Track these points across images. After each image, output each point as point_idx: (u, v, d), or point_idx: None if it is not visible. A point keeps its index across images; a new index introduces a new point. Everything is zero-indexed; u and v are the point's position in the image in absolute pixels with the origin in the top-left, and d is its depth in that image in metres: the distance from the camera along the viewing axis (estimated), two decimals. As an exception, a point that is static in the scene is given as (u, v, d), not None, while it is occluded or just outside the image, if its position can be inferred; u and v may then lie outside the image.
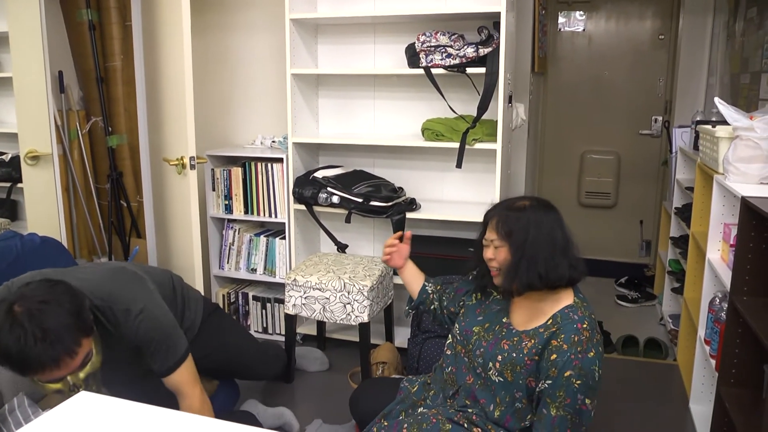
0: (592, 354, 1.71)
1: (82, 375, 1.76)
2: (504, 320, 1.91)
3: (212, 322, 2.51)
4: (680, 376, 3.12)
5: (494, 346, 1.87)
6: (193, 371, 2.08)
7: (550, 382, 1.71)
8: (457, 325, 2.03)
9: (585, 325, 1.75)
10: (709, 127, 2.75)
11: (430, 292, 2.24)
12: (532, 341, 1.79)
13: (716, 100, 2.39)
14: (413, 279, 2.28)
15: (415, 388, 2.09)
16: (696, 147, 3.20)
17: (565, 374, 1.69)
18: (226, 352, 2.52)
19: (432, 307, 2.21)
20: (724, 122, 2.42)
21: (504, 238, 1.82)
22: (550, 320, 1.80)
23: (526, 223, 1.80)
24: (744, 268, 2.11)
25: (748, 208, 2.02)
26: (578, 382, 1.68)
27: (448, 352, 2.03)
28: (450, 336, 2.06)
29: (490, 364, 1.85)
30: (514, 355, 1.81)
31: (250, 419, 2.48)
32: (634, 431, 2.66)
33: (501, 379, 1.82)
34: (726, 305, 2.24)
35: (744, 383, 2.15)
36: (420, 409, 1.98)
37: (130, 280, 2.04)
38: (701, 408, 2.71)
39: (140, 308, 1.95)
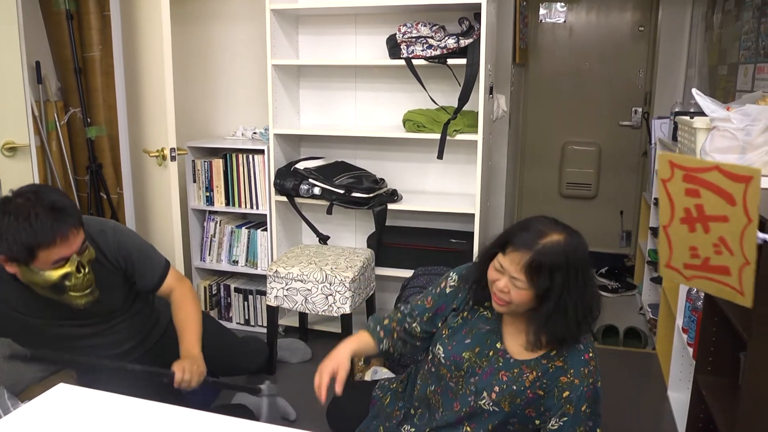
0: (599, 383, 1.67)
1: (85, 258, 1.81)
2: (498, 346, 1.74)
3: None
4: (659, 365, 3.17)
5: (490, 375, 1.72)
6: (177, 272, 2.22)
7: (566, 419, 1.64)
8: (441, 348, 1.79)
9: (591, 354, 1.67)
10: (687, 118, 2.77)
11: (387, 347, 1.92)
12: (534, 373, 1.67)
13: (694, 91, 2.40)
14: (361, 348, 1.93)
15: (387, 400, 2.00)
16: (675, 138, 3.23)
17: (582, 408, 1.63)
18: (204, 341, 2.50)
19: (399, 353, 1.94)
20: (702, 113, 2.44)
21: (533, 283, 1.57)
22: (554, 351, 1.67)
23: (565, 270, 1.55)
24: (720, 258, 2.13)
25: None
26: (589, 410, 1.65)
27: (432, 370, 1.83)
28: (430, 352, 1.86)
29: (485, 394, 1.71)
30: (515, 387, 1.68)
31: (245, 412, 2.46)
32: (613, 420, 2.69)
33: (496, 409, 1.70)
34: (703, 294, 2.27)
35: (720, 371, 2.18)
36: (405, 427, 1.88)
37: (95, 217, 2.13)
38: (679, 396, 2.75)
39: (112, 227, 2.04)
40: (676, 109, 3.48)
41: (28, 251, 1.68)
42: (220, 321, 3.56)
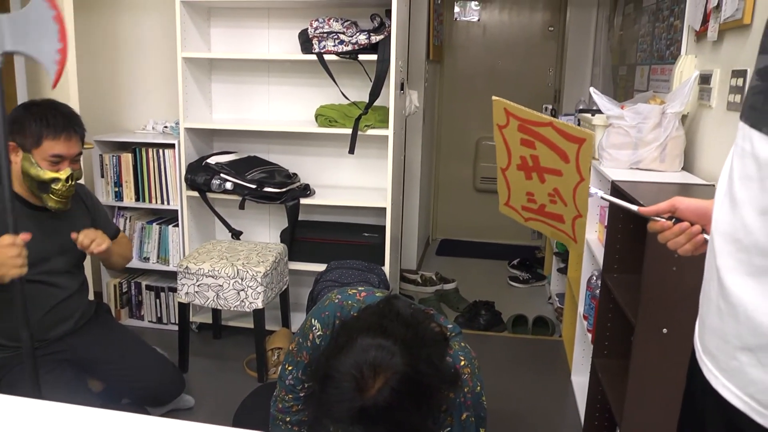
0: (478, 388, 1.66)
1: (75, 176, 2.13)
2: None
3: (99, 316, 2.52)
4: (564, 351, 3.30)
5: None
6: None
7: (449, 429, 1.61)
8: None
9: (462, 362, 1.62)
10: (588, 115, 2.91)
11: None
12: None
13: (591, 89, 2.53)
14: None
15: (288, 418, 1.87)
16: (578, 134, 3.37)
17: (462, 417, 1.61)
18: (113, 341, 2.46)
19: None
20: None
21: None
22: None
23: (401, 418, 1.38)
24: (614, 248, 2.25)
25: (617, 191, 2.16)
26: (473, 419, 1.63)
27: None
28: None
29: None
30: None
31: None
32: (520, 404, 2.80)
33: None
34: (600, 282, 2.39)
35: (615, 354, 2.31)
36: None
37: None
38: (581, 379, 2.88)
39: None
40: (581, 107, 3.63)
41: (37, 137, 2.03)
42: (131, 319, 3.50)
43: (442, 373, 1.48)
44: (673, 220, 1.23)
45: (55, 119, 2.05)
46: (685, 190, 2.17)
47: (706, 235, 1.20)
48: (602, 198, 1.36)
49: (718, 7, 2.13)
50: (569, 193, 1.30)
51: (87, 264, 2.73)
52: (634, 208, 1.31)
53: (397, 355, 1.37)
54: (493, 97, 1.36)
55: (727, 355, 0.91)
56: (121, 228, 3.45)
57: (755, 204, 0.85)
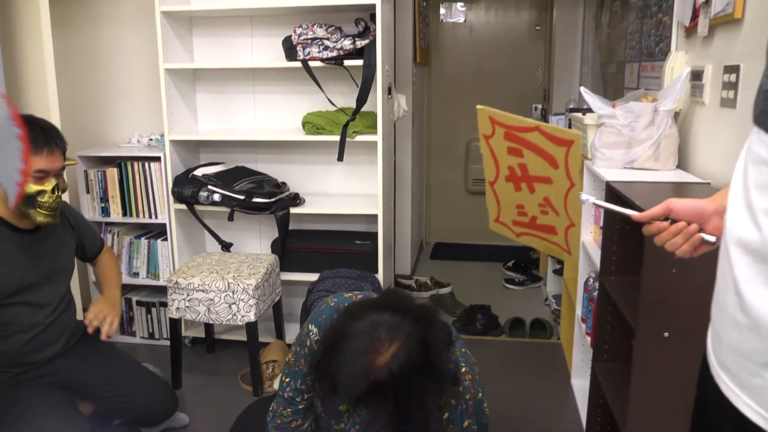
0: (480, 395, 1.64)
1: (60, 186, 2.09)
2: None
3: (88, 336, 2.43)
4: (563, 354, 3.26)
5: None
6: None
7: None
8: (318, 401, 1.71)
9: (463, 369, 1.60)
10: (579, 114, 2.87)
11: None
12: None
13: (582, 89, 2.49)
14: None
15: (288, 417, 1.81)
16: (569, 133, 3.33)
17: (464, 425, 1.59)
18: (103, 362, 2.39)
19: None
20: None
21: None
22: None
23: (408, 387, 1.31)
24: (611, 249, 2.21)
25: (612, 191, 2.12)
26: (475, 426, 1.61)
27: (321, 418, 1.74)
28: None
29: None
30: None
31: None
32: (519, 409, 2.76)
33: None
34: (598, 284, 2.35)
35: (615, 358, 2.27)
36: None
37: None
38: (581, 382, 2.84)
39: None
40: (571, 106, 3.59)
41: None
42: (123, 336, 3.44)
43: (448, 365, 1.43)
44: (669, 221, 1.19)
45: (35, 134, 2.00)
46: (680, 188, 2.13)
47: (704, 234, 1.16)
48: (595, 204, 1.30)
49: (708, 2, 2.09)
50: (560, 202, 1.25)
51: (74, 283, 2.68)
52: (629, 212, 1.26)
53: (410, 324, 1.34)
54: (478, 106, 1.31)
55: (748, 372, 0.87)
56: (109, 243, 3.40)
57: None
